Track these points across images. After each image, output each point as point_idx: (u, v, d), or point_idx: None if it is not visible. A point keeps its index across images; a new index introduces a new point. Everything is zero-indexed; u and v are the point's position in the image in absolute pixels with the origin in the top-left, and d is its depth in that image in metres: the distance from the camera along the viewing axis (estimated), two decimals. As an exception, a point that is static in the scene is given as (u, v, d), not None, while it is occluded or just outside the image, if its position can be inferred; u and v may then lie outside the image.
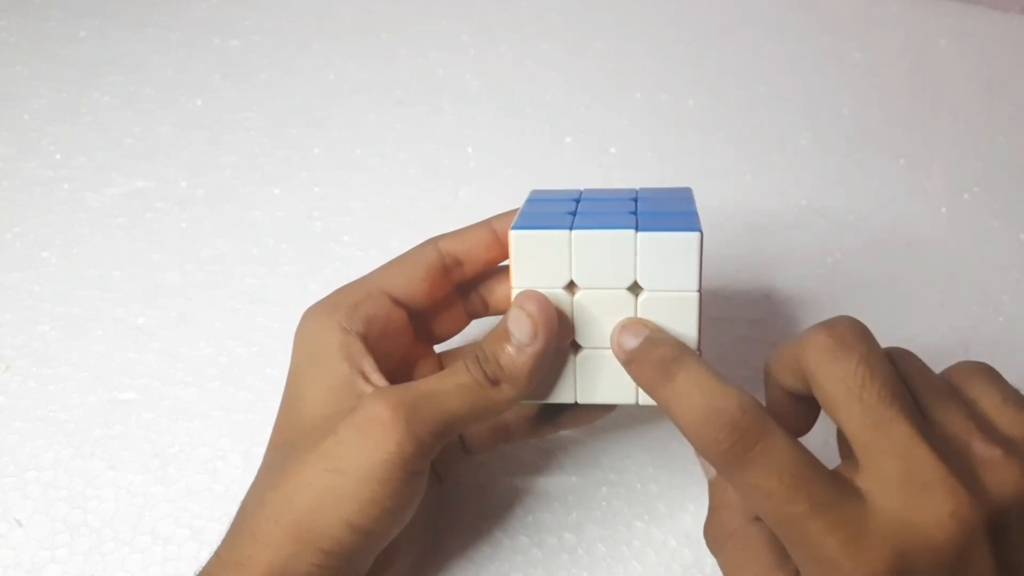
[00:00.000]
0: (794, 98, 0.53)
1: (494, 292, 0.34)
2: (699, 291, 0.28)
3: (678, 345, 0.28)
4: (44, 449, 0.38)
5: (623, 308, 0.28)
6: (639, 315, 0.29)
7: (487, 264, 0.33)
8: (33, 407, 0.39)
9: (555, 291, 0.29)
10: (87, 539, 0.35)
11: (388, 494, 0.27)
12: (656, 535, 0.35)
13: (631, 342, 0.28)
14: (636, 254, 0.28)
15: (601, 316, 0.29)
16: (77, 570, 0.34)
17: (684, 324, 0.28)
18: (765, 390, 0.30)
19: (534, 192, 0.33)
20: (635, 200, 0.31)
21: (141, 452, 0.38)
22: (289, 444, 0.29)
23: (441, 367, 0.34)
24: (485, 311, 0.35)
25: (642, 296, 0.28)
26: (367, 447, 0.27)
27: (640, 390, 0.29)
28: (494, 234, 0.32)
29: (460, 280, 0.33)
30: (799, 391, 0.28)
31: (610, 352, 0.29)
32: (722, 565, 0.29)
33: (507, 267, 0.34)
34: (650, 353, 0.27)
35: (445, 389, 0.28)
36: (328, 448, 0.27)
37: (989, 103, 0.52)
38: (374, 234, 0.46)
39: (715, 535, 0.30)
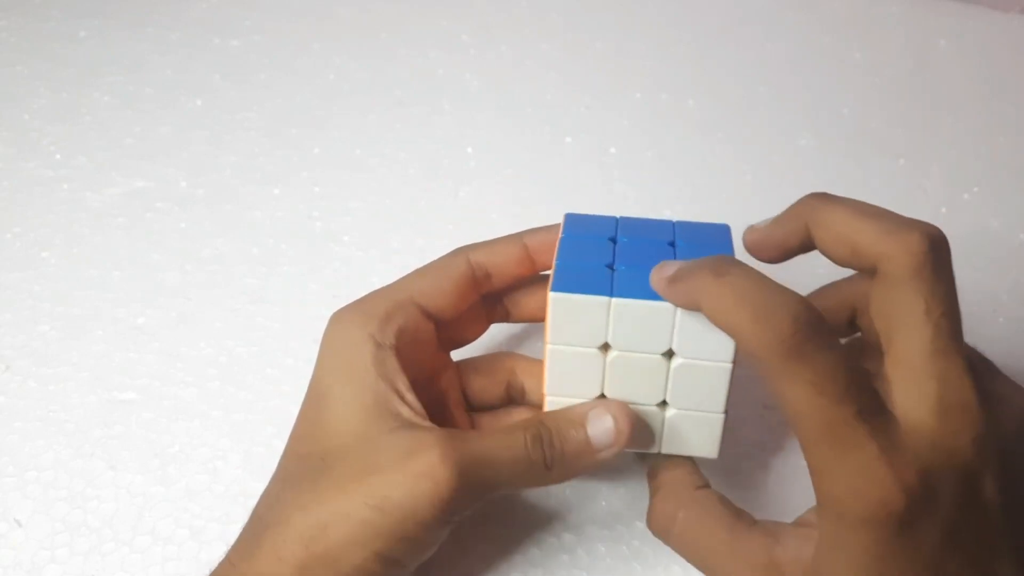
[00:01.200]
0: (794, 98, 0.53)
1: (519, 303, 0.35)
2: (733, 363, 0.28)
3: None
4: (44, 449, 0.38)
5: (655, 370, 0.29)
6: (671, 380, 0.29)
7: (516, 278, 0.33)
8: (33, 407, 0.39)
9: (589, 350, 0.29)
10: (87, 539, 0.35)
11: (425, 536, 0.27)
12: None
13: (671, 268, 0.27)
14: (675, 326, 0.27)
15: (632, 375, 0.29)
16: (77, 570, 0.34)
17: (714, 391, 0.29)
18: (779, 224, 0.29)
19: (569, 220, 0.32)
20: (673, 244, 0.30)
21: (141, 452, 0.38)
22: (317, 460, 0.29)
23: (460, 380, 0.34)
24: (507, 318, 0.35)
25: (675, 362, 0.28)
26: (416, 495, 0.27)
27: (663, 439, 0.30)
28: (525, 249, 0.32)
29: (487, 291, 0.33)
30: (832, 257, 0.27)
31: (639, 406, 0.29)
32: (678, 543, 0.29)
33: (534, 279, 0.34)
34: (696, 265, 0.26)
35: (501, 459, 0.28)
36: (374, 485, 0.27)
37: (989, 103, 0.52)
38: (374, 234, 0.46)
39: (659, 519, 0.29)
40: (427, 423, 0.29)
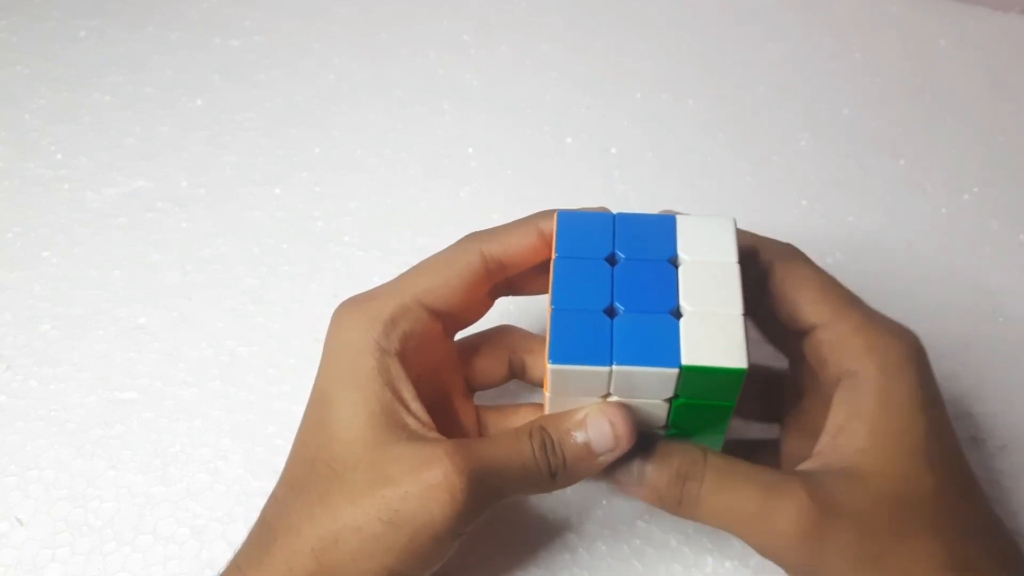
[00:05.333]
0: (794, 98, 0.53)
1: (525, 278, 0.33)
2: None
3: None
4: (45, 449, 0.38)
5: (656, 409, 0.28)
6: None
7: (531, 266, 0.32)
8: (34, 407, 0.39)
9: (590, 397, 0.28)
10: (88, 539, 0.35)
11: (435, 550, 0.27)
12: (657, 534, 0.35)
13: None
14: (678, 382, 0.26)
15: (635, 407, 0.28)
16: (78, 570, 0.34)
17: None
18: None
19: (563, 224, 0.29)
20: (675, 261, 0.28)
21: (142, 452, 0.38)
22: (325, 466, 0.28)
23: (462, 365, 0.34)
24: (508, 292, 0.34)
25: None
26: (430, 508, 0.26)
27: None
28: (540, 236, 0.31)
29: (499, 280, 0.32)
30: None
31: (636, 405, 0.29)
32: (708, 515, 0.29)
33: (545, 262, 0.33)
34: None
35: (509, 466, 0.28)
36: (387, 498, 0.27)
37: (989, 103, 0.52)
38: (374, 234, 0.46)
39: (681, 496, 0.29)
40: (433, 434, 0.28)
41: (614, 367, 0.26)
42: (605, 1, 0.59)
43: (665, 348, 0.26)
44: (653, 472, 0.29)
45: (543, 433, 0.28)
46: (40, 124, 0.52)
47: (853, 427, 0.28)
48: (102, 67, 0.55)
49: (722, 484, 0.28)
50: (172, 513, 0.36)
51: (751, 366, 0.26)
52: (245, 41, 0.56)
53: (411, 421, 0.28)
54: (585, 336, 0.26)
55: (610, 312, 0.27)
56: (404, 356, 0.29)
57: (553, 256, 0.28)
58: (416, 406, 0.29)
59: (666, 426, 0.29)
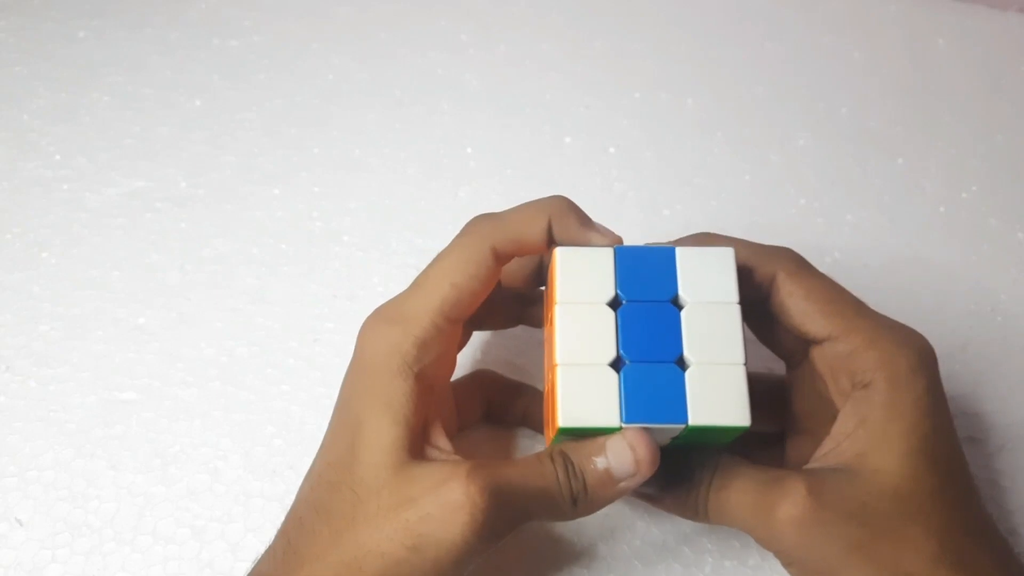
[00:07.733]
0: (794, 98, 0.53)
1: (493, 315, 0.34)
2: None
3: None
4: (45, 449, 0.38)
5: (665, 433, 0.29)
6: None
7: (540, 251, 0.31)
8: (34, 407, 0.39)
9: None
10: (88, 539, 0.35)
11: (454, 572, 0.27)
12: (656, 534, 0.35)
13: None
14: (683, 432, 0.27)
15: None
16: (78, 570, 0.34)
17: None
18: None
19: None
20: (677, 301, 0.28)
21: (142, 452, 0.38)
22: (349, 491, 0.28)
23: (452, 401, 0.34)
24: (480, 327, 0.35)
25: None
26: (451, 529, 0.26)
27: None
28: (551, 220, 0.30)
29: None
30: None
31: None
32: (713, 516, 0.29)
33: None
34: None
35: (532, 489, 0.28)
36: (409, 522, 0.27)
37: (988, 102, 0.52)
38: (374, 234, 0.46)
39: (686, 499, 0.30)
40: (455, 457, 0.29)
41: (625, 428, 0.27)
42: (605, 1, 0.59)
43: (672, 404, 0.27)
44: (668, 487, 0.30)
45: (564, 457, 0.28)
46: (39, 124, 0.52)
47: (858, 435, 0.28)
48: (101, 67, 0.55)
49: (725, 483, 0.29)
50: (172, 513, 0.36)
51: (753, 374, 0.27)
52: (244, 41, 0.56)
53: (435, 453, 0.29)
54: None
55: (616, 364, 0.27)
56: (433, 378, 0.30)
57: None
58: (444, 441, 0.29)
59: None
